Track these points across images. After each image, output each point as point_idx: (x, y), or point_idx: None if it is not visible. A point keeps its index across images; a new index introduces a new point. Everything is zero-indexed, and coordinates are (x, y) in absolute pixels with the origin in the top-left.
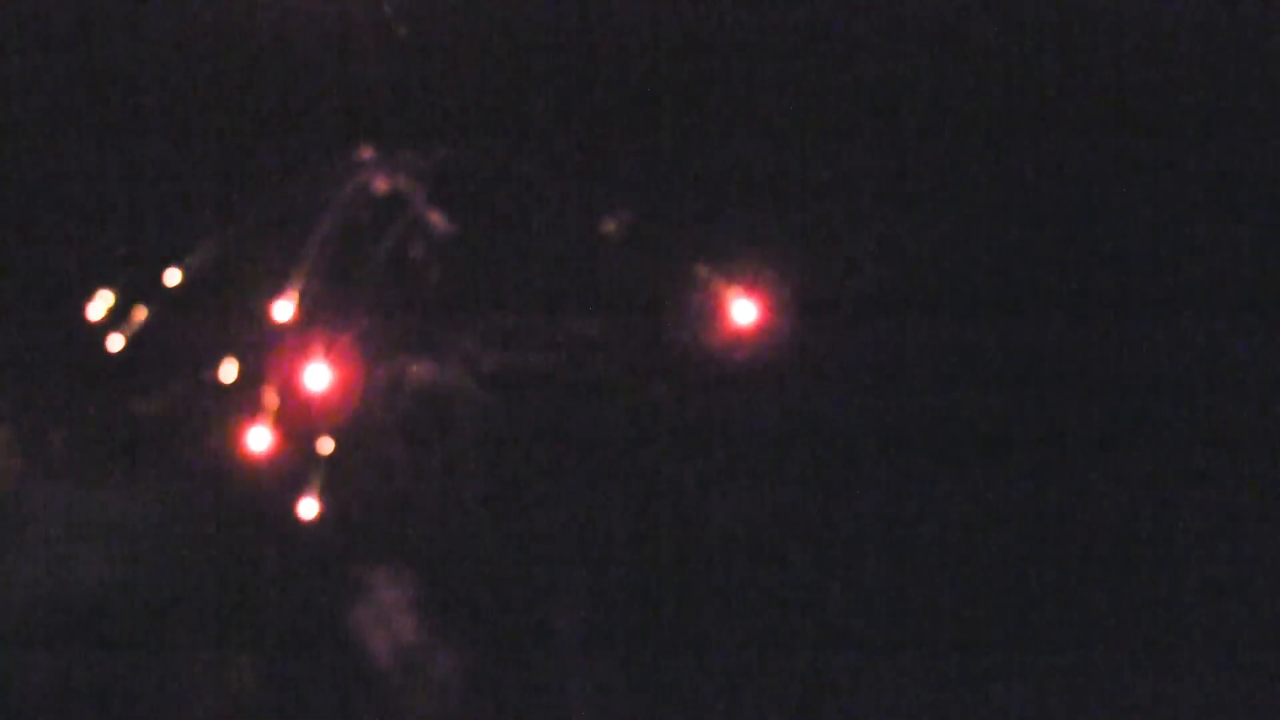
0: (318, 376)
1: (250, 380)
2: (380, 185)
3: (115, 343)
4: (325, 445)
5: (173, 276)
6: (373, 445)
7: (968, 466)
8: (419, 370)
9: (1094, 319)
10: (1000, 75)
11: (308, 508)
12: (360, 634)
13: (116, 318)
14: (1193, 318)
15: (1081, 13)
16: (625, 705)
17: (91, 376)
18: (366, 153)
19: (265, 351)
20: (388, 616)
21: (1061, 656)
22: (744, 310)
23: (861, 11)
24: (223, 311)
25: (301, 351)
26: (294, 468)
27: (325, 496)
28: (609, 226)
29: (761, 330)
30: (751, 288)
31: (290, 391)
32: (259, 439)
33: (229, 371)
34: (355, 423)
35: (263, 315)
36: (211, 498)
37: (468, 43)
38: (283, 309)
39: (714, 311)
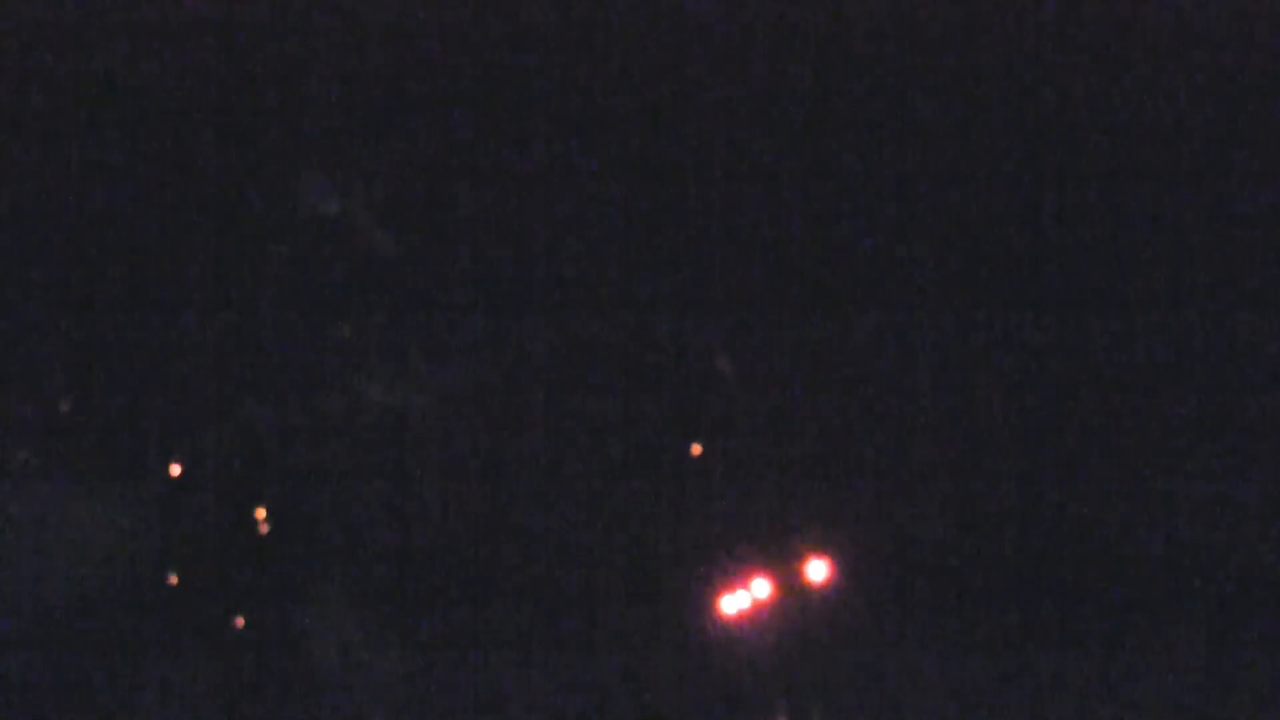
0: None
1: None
2: (329, 208)
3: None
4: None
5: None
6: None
7: (968, 466)
8: (372, 388)
9: (1093, 318)
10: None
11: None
12: (310, 637)
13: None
14: (1193, 316)
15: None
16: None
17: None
18: (314, 177)
19: None
20: (335, 621)
21: (1061, 656)
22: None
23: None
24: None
25: None
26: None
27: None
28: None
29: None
30: None
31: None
32: None
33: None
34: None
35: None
36: (171, 503)
37: (419, 63)
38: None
39: None
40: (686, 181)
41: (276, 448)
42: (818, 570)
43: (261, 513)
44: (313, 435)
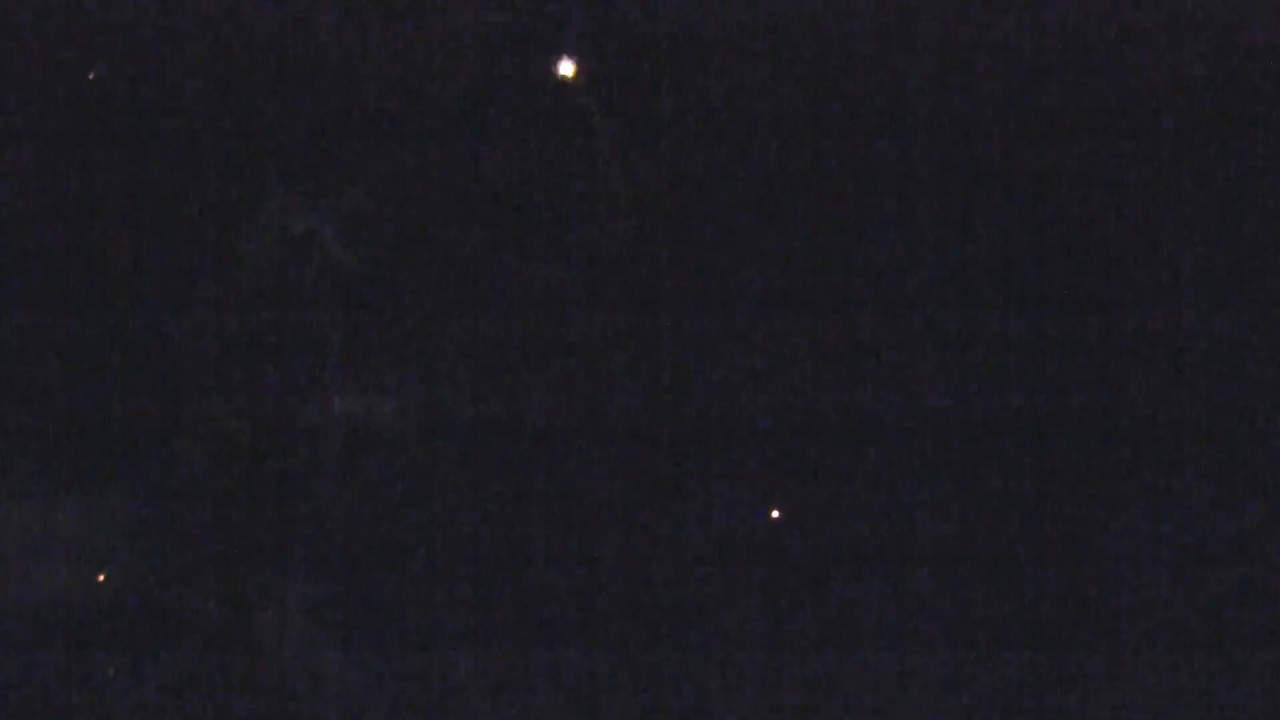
0: None
1: None
2: (293, 226)
3: None
4: None
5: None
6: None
7: (967, 466)
8: (339, 403)
9: (1093, 318)
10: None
11: None
12: (266, 639)
13: None
14: (1194, 317)
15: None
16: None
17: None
18: (276, 195)
19: None
20: (293, 623)
21: (1059, 655)
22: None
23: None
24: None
25: None
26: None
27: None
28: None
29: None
30: None
31: None
32: None
33: None
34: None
35: None
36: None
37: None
38: None
39: None
40: (659, 183)
41: (247, 456)
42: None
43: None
44: (282, 444)
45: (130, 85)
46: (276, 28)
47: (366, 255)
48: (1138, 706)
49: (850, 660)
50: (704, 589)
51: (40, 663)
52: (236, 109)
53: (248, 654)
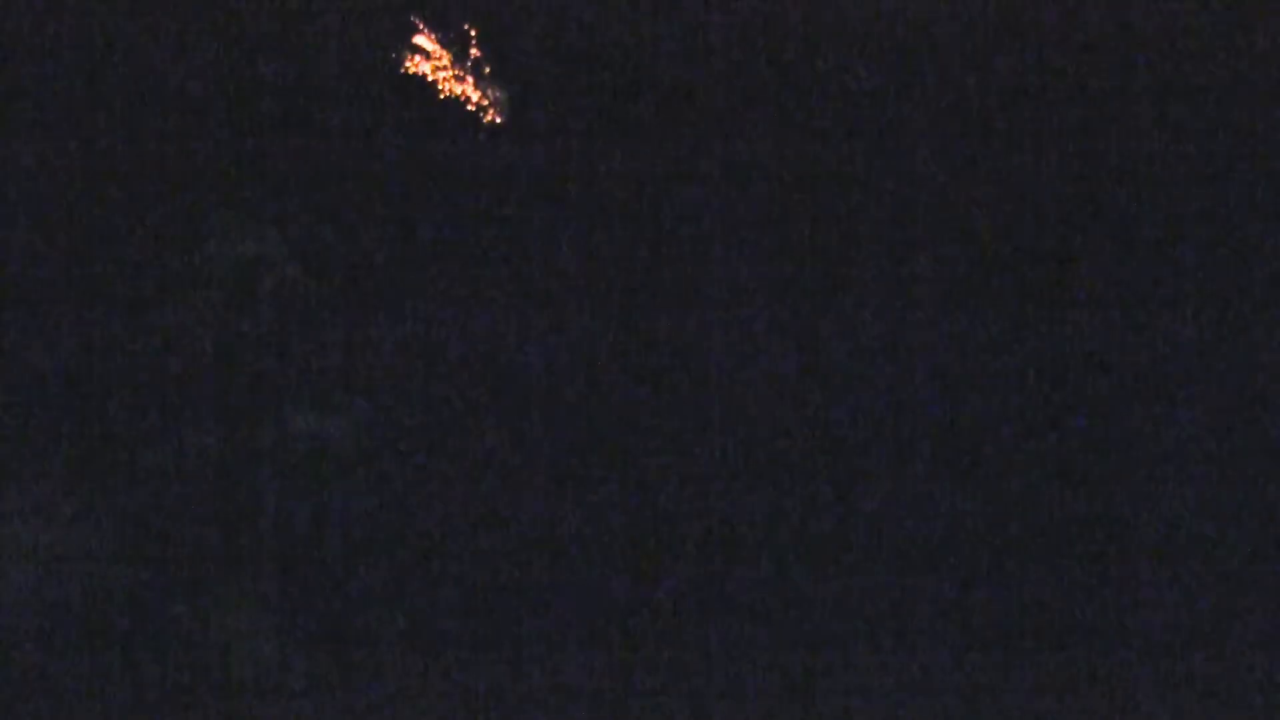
0: None
1: None
2: (248, 248)
3: None
4: None
5: None
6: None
7: (968, 465)
8: (297, 418)
9: (1094, 317)
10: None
11: None
12: (220, 642)
13: None
14: (1193, 317)
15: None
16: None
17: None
18: (234, 217)
19: None
20: (245, 626)
21: (1060, 656)
22: None
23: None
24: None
25: None
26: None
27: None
28: None
29: None
30: None
31: None
32: None
33: None
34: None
35: None
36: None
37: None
38: None
39: None
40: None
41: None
42: None
43: None
44: (245, 458)
45: (88, 119)
46: (228, 61)
47: (319, 276)
48: (1140, 706)
49: (850, 660)
50: (671, 599)
51: (12, 661)
52: (190, 138)
53: (213, 655)
